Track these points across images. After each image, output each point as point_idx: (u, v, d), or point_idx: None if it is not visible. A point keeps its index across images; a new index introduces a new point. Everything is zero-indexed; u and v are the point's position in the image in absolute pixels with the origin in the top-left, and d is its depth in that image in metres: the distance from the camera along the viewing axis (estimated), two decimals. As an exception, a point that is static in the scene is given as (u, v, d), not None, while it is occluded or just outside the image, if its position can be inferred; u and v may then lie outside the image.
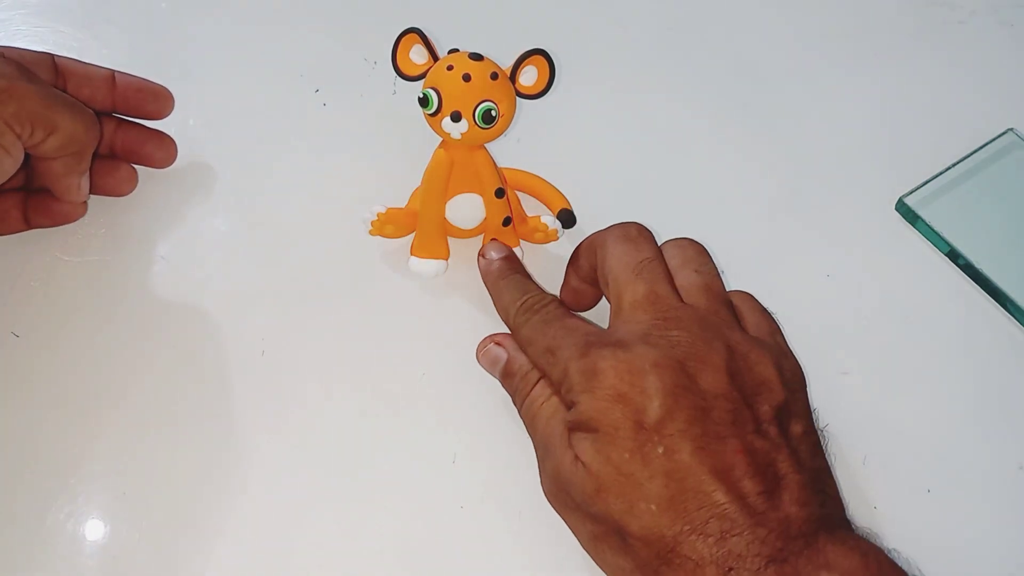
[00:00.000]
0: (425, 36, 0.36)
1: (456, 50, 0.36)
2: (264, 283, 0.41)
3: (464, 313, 0.41)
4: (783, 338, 0.37)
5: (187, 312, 0.41)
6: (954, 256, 0.43)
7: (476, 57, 0.35)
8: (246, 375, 0.39)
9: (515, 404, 0.36)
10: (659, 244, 0.37)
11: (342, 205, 0.43)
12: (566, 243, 0.43)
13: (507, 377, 0.37)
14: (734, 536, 0.28)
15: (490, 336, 0.38)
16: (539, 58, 0.35)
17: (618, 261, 0.35)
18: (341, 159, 0.46)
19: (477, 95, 0.35)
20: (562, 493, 0.32)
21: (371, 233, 0.40)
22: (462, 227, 0.40)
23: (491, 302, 0.40)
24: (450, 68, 0.35)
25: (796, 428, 0.32)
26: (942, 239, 0.43)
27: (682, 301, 0.34)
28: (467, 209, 0.39)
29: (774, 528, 0.29)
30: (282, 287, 0.41)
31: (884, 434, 0.38)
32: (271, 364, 0.39)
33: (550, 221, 0.41)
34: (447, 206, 0.39)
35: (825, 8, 0.53)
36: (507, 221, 0.40)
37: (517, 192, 0.44)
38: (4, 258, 0.41)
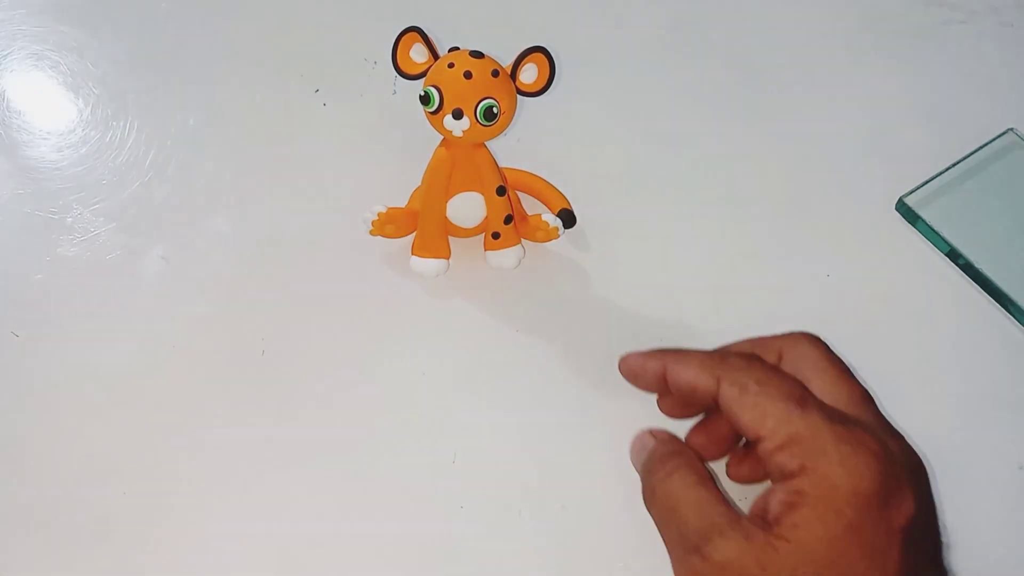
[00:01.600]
0: (425, 35, 0.36)
1: (457, 48, 0.36)
2: (264, 283, 0.41)
3: (464, 313, 0.41)
4: None
5: (187, 312, 0.40)
6: (954, 256, 0.43)
7: (477, 55, 0.35)
8: (246, 375, 0.39)
9: (649, 490, 0.31)
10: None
11: (342, 205, 0.43)
12: (566, 242, 0.43)
13: (648, 460, 0.31)
14: None
15: (649, 430, 0.33)
16: (539, 56, 0.35)
17: (826, 356, 0.31)
18: (341, 159, 0.46)
19: (478, 92, 0.35)
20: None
21: (371, 233, 0.40)
22: (463, 226, 0.40)
23: (492, 302, 0.40)
24: (451, 66, 0.35)
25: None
26: (942, 239, 0.43)
27: None
28: (468, 208, 0.39)
29: None
30: (282, 287, 0.41)
31: (884, 434, 0.38)
32: (271, 364, 0.39)
33: (551, 219, 0.41)
34: (448, 205, 0.39)
35: (825, 8, 0.53)
36: (508, 219, 0.40)
37: (517, 192, 0.44)
38: (4, 258, 0.41)
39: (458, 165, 0.38)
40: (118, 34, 0.51)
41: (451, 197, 0.39)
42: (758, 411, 0.29)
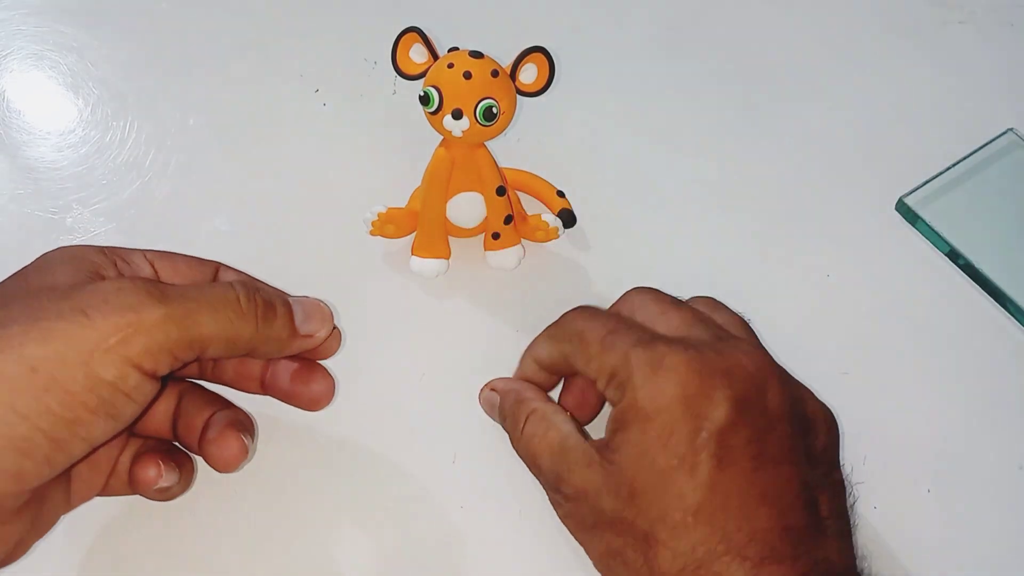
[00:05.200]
0: (425, 35, 0.36)
1: (456, 48, 0.36)
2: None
3: (464, 313, 0.41)
4: None
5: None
6: (954, 256, 0.43)
7: (476, 55, 0.35)
8: (246, 375, 0.39)
9: (512, 442, 0.34)
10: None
11: (342, 205, 0.43)
12: (566, 242, 0.43)
13: (503, 417, 0.35)
14: (773, 565, 0.27)
15: (487, 383, 0.37)
16: (539, 55, 0.35)
17: (654, 296, 0.34)
18: (341, 159, 0.46)
19: (478, 92, 0.35)
20: (584, 508, 0.31)
21: (372, 233, 0.40)
22: (463, 226, 0.40)
23: (492, 302, 0.40)
24: (451, 66, 0.35)
25: (836, 475, 0.32)
26: (942, 239, 0.43)
27: None
28: (468, 208, 0.39)
29: (814, 567, 0.28)
30: (282, 287, 0.41)
31: (884, 434, 0.38)
32: (271, 364, 0.39)
33: (551, 219, 0.41)
34: (448, 205, 0.39)
35: (825, 8, 0.53)
36: (508, 219, 0.40)
37: (517, 192, 0.44)
38: (4, 258, 0.41)
39: (458, 165, 0.38)
40: (118, 34, 0.51)
41: (451, 197, 0.39)
42: (584, 359, 0.32)
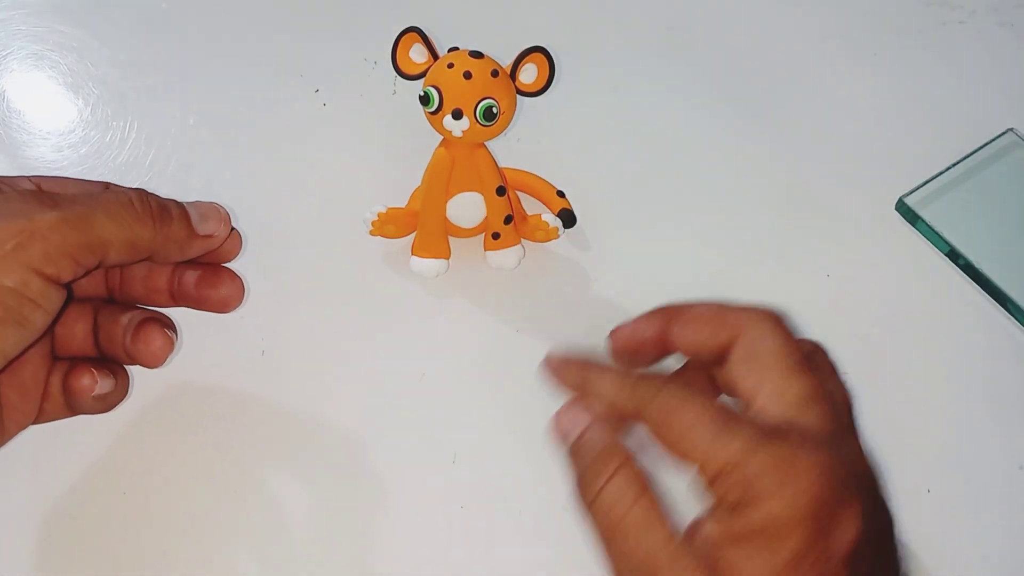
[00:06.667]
0: (425, 35, 0.36)
1: (456, 48, 0.36)
2: (264, 283, 0.41)
3: (464, 313, 0.41)
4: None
5: (187, 312, 0.40)
6: (954, 256, 0.43)
7: (476, 55, 0.35)
8: (246, 375, 0.39)
9: (578, 495, 0.28)
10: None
11: (342, 205, 0.43)
12: (566, 242, 0.43)
13: (574, 458, 0.29)
14: None
15: (570, 404, 0.29)
16: (539, 56, 0.35)
17: (780, 347, 0.28)
18: (341, 159, 0.46)
19: (478, 92, 0.35)
20: None
21: (371, 233, 0.40)
22: (463, 226, 0.40)
23: (492, 302, 0.40)
24: (451, 66, 0.35)
25: None
26: (942, 239, 0.43)
27: None
28: (468, 208, 0.39)
29: None
30: (282, 287, 0.41)
31: (884, 434, 0.38)
32: (271, 364, 0.39)
33: (551, 219, 0.41)
34: (448, 205, 0.39)
35: (825, 8, 0.53)
36: (508, 219, 0.40)
37: (517, 192, 0.44)
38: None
39: (458, 165, 0.38)
40: (118, 34, 0.51)
41: (451, 197, 0.39)
42: (680, 439, 0.26)
